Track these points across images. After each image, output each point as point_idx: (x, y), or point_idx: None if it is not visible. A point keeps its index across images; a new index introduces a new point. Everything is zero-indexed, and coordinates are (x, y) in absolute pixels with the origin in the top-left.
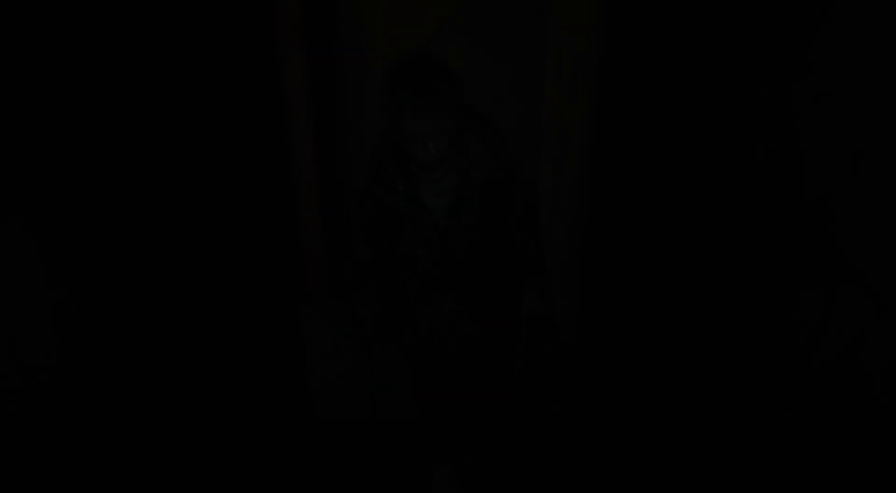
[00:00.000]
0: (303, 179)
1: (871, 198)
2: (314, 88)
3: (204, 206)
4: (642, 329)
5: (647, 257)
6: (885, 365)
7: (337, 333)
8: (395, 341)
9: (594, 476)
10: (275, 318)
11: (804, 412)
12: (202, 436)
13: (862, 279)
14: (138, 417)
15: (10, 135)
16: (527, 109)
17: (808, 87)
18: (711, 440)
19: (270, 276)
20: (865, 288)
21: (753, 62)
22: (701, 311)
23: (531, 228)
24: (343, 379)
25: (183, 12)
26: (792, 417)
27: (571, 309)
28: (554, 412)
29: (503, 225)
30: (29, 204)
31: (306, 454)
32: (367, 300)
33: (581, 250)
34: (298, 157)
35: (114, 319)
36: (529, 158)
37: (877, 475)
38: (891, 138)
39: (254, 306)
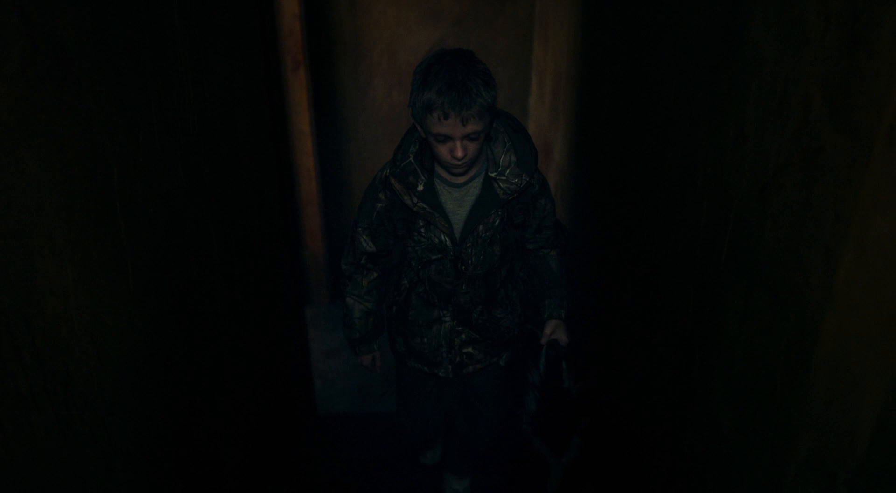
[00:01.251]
0: (305, 194)
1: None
2: (317, 109)
3: (220, 216)
4: (620, 331)
5: (617, 263)
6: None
7: (336, 334)
8: (386, 344)
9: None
10: (283, 321)
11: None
12: (213, 426)
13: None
14: (166, 402)
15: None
16: None
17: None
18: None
19: (277, 282)
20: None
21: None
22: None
23: (560, 252)
24: (342, 377)
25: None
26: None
27: None
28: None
29: (524, 245)
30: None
31: (310, 445)
32: (362, 294)
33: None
34: (302, 175)
35: (162, 316)
36: None
37: None
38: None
39: (264, 310)
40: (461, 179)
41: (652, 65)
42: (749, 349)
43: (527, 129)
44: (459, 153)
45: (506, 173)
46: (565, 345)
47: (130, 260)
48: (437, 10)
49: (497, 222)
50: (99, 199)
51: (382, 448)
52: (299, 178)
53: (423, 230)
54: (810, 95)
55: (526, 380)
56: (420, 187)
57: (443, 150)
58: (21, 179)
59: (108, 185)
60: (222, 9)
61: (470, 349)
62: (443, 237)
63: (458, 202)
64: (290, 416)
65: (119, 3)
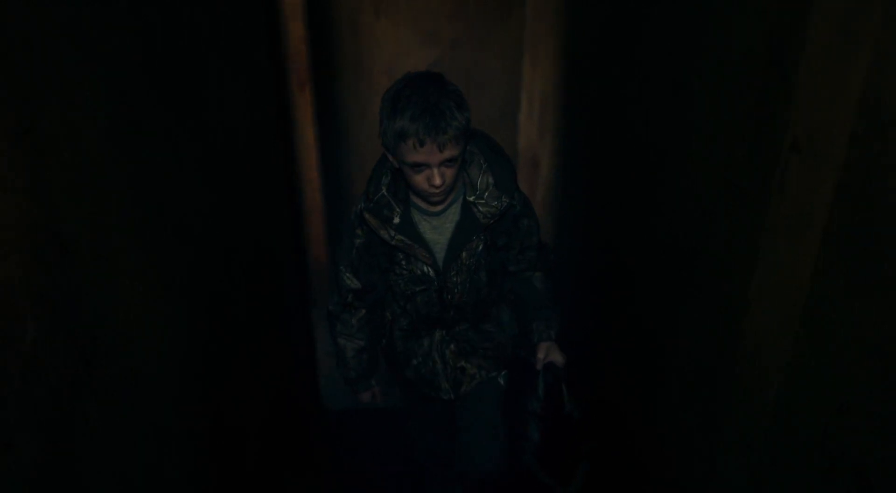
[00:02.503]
0: (309, 203)
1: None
2: (321, 124)
3: (241, 228)
4: (603, 338)
5: (599, 272)
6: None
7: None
8: (386, 378)
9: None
10: (291, 322)
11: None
12: (237, 417)
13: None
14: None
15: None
16: (506, 138)
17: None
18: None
19: (287, 285)
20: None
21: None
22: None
23: (546, 273)
24: None
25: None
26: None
27: None
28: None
29: (506, 267)
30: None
31: (318, 438)
32: (352, 333)
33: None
34: (307, 185)
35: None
36: None
37: None
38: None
39: (275, 311)
40: (439, 208)
41: (621, 101)
42: (694, 344)
43: (517, 147)
44: (437, 181)
45: (484, 196)
46: (562, 366)
47: (177, 274)
48: (434, 33)
49: (480, 248)
50: (158, 225)
51: (383, 441)
52: (304, 188)
53: (404, 263)
54: (733, 147)
55: (525, 409)
56: (396, 220)
57: (419, 179)
58: (108, 214)
59: (163, 213)
60: (240, 39)
61: (463, 363)
62: (425, 268)
63: (437, 231)
64: (299, 410)
65: (173, 69)
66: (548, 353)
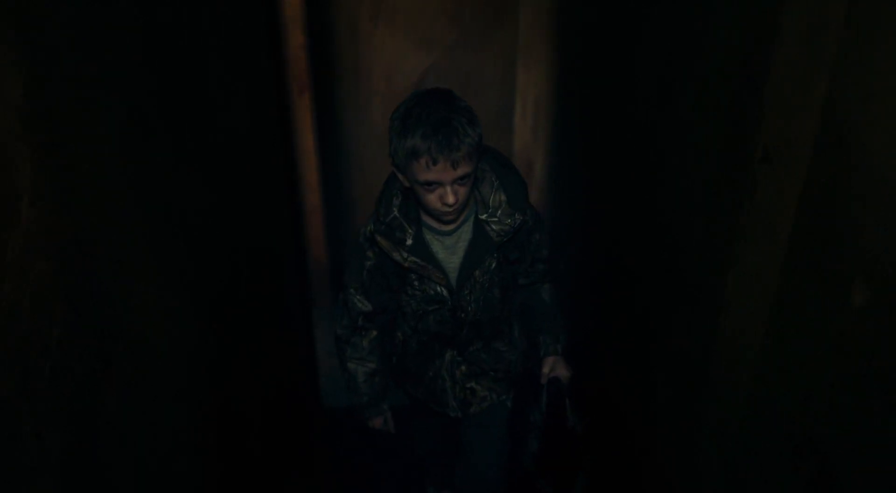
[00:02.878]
0: (309, 205)
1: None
2: (320, 128)
3: (244, 230)
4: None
5: (593, 275)
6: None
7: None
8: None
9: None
10: (293, 321)
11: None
12: (241, 415)
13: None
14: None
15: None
16: (502, 140)
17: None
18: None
19: (288, 285)
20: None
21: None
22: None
23: (554, 284)
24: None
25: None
26: None
27: None
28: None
29: (516, 281)
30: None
31: (319, 435)
32: (364, 356)
33: None
34: (307, 188)
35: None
36: None
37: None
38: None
39: (276, 310)
40: (451, 226)
41: (614, 104)
42: (687, 343)
43: (512, 149)
44: (451, 199)
45: (497, 214)
46: (567, 380)
47: (183, 276)
48: (431, 39)
49: (494, 265)
50: (164, 228)
51: (383, 441)
52: (304, 191)
53: (416, 284)
54: (712, 155)
55: (528, 421)
56: (409, 241)
57: (432, 198)
58: (120, 218)
59: (169, 215)
60: (242, 45)
61: (473, 384)
62: (439, 289)
63: (450, 250)
64: (299, 409)
65: (176, 72)
66: (553, 367)
